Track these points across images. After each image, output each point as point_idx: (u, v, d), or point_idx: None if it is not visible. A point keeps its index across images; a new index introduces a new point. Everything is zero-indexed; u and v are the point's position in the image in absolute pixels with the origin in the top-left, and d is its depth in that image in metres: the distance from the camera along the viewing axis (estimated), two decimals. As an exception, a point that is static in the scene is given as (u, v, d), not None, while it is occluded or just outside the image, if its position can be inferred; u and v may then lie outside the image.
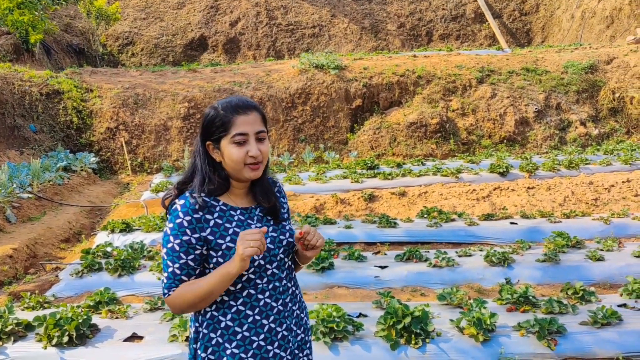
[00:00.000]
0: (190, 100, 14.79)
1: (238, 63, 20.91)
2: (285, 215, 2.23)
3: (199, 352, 2.05)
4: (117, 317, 5.03)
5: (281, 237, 2.12)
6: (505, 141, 15.45)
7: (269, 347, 2.02)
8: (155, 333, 4.67)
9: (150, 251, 7.02)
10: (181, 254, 1.96)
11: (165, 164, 13.26)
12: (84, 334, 4.52)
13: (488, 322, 4.39)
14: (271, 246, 2.06)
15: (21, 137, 13.31)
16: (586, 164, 12.16)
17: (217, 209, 2.04)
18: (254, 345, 2.00)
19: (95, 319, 4.87)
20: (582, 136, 15.71)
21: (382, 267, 6.34)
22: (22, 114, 13.79)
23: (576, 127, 15.91)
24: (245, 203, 2.14)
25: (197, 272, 2.01)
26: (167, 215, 2.03)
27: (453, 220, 8.25)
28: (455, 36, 25.93)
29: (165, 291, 1.98)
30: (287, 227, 2.17)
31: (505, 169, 11.44)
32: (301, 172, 12.83)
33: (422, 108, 15.56)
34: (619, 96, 16.61)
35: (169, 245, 1.97)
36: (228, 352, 2.00)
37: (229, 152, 2.01)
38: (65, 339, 4.38)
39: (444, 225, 7.95)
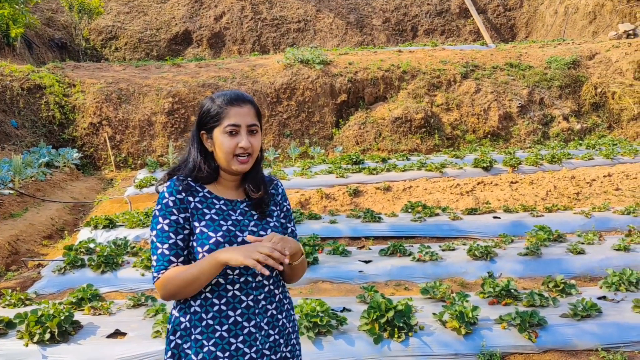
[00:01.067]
0: (175, 95, 14.69)
1: (223, 58, 20.79)
2: (280, 214, 2.24)
3: (169, 334, 2.08)
4: (99, 314, 5.00)
5: (262, 232, 2.11)
6: (489, 136, 15.56)
7: (232, 340, 2.01)
8: (139, 329, 4.65)
9: (134, 247, 6.98)
10: (170, 234, 2.00)
11: (150, 160, 13.17)
12: (66, 331, 4.49)
13: (470, 315, 4.44)
14: (250, 241, 2.06)
15: (2, 132, 13.14)
16: (568, 158, 12.29)
17: (200, 194, 2.08)
18: (217, 334, 2.00)
19: (78, 316, 4.83)
20: (565, 131, 15.88)
21: (367, 262, 6.37)
22: (3, 109, 13.60)
23: (559, 122, 16.06)
24: (232, 195, 2.15)
25: (185, 254, 2.02)
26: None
27: (437, 214, 8.30)
28: (440, 31, 26.02)
29: (155, 274, 1.99)
30: (271, 224, 2.16)
31: (489, 164, 11.53)
32: (286, 167, 12.82)
33: (407, 103, 15.61)
34: (601, 91, 16.79)
35: (159, 226, 2.01)
36: (192, 337, 2.01)
37: (220, 142, 2.06)
38: (47, 336, 4.34)
39: (428, 220, 8.00)
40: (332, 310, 4.70)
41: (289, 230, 2.27)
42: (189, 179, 2.09)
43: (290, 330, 2.23)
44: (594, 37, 22.07)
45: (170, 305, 5.16)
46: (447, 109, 15.87)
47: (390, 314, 4.39)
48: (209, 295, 2.02)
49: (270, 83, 15.50)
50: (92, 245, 6.99)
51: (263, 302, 2.09)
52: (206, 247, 1.99)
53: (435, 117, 15.59)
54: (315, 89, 15.63)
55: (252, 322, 2.05)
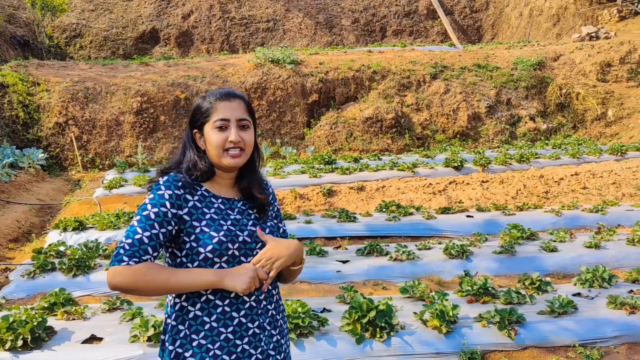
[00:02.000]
0: (143, 94, 14.44)
1: (192, 57, 20.54)
2: (272, 215, 2.21)
3: (167, 344, 1.99)
4: (74, 319, 4.86)
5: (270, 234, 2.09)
6: (458, 136, 15.76)
7: (238, 342, 1.96)
8: (115, 334, 4.54)
9: (106, 250, 6.82)
10: (155, 224, 1.90)
11: (118, 160, 12.90)
12: (40, 337, 4.35)
13: (450, 314, 4.47)
14: (248, 239, 2.02)
15: (-37, 132, 12.70)
16: (536, 158, 12.55)
17: (199, 192, 2.03)
18: (222, 337, 1.95)
19: (51, 321, 4.69)
20: (532, 131, 16.20)
21: (344, 262, 6.37)
22: (-37, 108, 13.15)
23: (526, 122, 16.38)
24: (229, 194, 2.11)
25: (159, 251, 1.93)
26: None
27: (411, 214, 8.36)
28: (408, 32, 26.27)
29: (125, 259, 1.83)
30: (268, 224, 2.14)
31: (459, 163, 11.68)
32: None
33: (377, 103, 15.69)
34: (566, 92, 17.20)
35: (145, 212, 1.91)
36: (195, 343, 1.94)
37: (210, 137, 2.03)
38: (20, 342, 4.20)
39: (403, 219, 8.05)
40: (313, 311, 4.68)
41: (281, 230, 2.24)
42: (187, 176, 2.04)
43: (286, 332, 2.22)
44: (558, 39, 22.60)
45: (148, 308, 5.06)
46: (417, 109, 16.01)
47: (372, 314, 4.39)
48: (211, 297, 1.96)
49: (241, 82, 15.38)
50: (62, 248, 6.80)
51: (264, 303, 2.07)
52: (209, 247, 1.93)
53: (406, 117, 15.71)
54: (286, 89, 15.58)
55: (256, 323, 2.01)
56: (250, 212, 2.12)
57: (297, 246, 2.03)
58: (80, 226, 7.77)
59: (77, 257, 6.17)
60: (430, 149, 15.01)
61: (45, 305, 4.98)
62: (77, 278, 6.01)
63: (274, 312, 2.11)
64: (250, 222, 2.08)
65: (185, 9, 24.08)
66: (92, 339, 4.50)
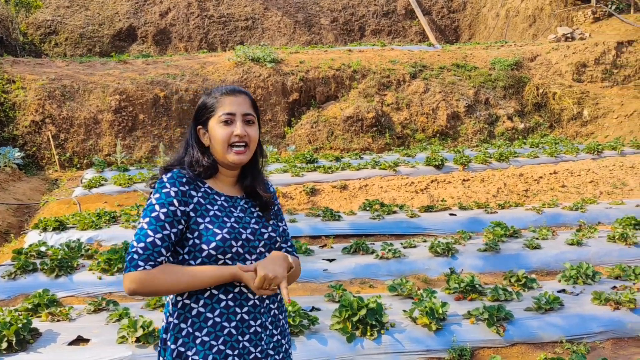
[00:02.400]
0: (122, 92, 14.24)
1: (170, 55, 20.33)
2: (274, 214, 2.20)
3: (168, 343, 1.97)
4: (58, 320, 4.77)
5: (263, 230, 2.07)
6: (438, 135, 15.90)
7: (240, 338, 1.95)
8: (102, 335, 4.47)
9: (88, 250, 6.71)
10: (166, 224, 1.89)
11: (97, 159, 12.71)
12: (25, 339, 4.26)
13: (440, 311, 4.51)
14: (251, 237, 2.01)
15: None
16: (515, 156, 12.72)
17: (202, 189, 2.02)
18: (225, 331, 1.93)
19: (35, 323, 4.60)
20: (510, 130, 16.42)
21: (330, 260, 6.37)
22: None
23: (504, 122, 16.60)
24: (231, 191, 2.10)
25: (172, 250, 1.94)
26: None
27: (395, 212, 8.40)
28: (387, 32, 26.38)
29: (141, 264, 1.84)
30: (272, 222, 2.13)
31: (440, 162, 11.78)
32: (240, 166, 12.65)
33: (358, 102, 15.74)
34: (543, 92, 17.48)
35: (154, 214, 1.89)
36: (198, 341, 1.92)
37: (215, 132, 2.02)
38: (4, 345, 4.12)
39: (387, 218, 8.08)
40: (302, 310, 4.67)
41: (281, 229, 2.23)
42: (190, 173, 2.02)
43: (288, 332, 2.21)
44: (534, 39, 22.94)
45: (135, 309, 4.99)
46: (397, 108, 16.10)
47: (363, 312, 4.40)
48: (214, 291, 1.95)
49: (221, 81, 15.27)
50: (43, 249, 6.67)
51: (267, 301, 2.06)
52: (213, 244, 1.92)
53: (386, 117, 15.79)
54: (266, 88, 15.52)
55: (259, 321, 2.00)
56: (253, 210, 2.11)
57: (281, 256, 2.00)
58: (60, 226, 7.63)
59: (59, 257, 6.06)
60: (411, 148, 15.11)
61: (29, 306, 4.89)
62: (60, 279, 5.90)
63: (276, 312, 2.10)
64: (253, 220, 2.07)
65: (163, 6, 23.81)
66: (79, 341, 4.44)
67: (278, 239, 2.13)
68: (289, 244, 2.23)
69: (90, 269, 6.10)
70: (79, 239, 7.10)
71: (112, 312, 4.83)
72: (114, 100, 14.04)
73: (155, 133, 14.23)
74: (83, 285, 5.91)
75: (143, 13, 23.59)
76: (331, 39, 25.05)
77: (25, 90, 13.67)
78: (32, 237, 7.50)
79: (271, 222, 2.14)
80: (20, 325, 4.25)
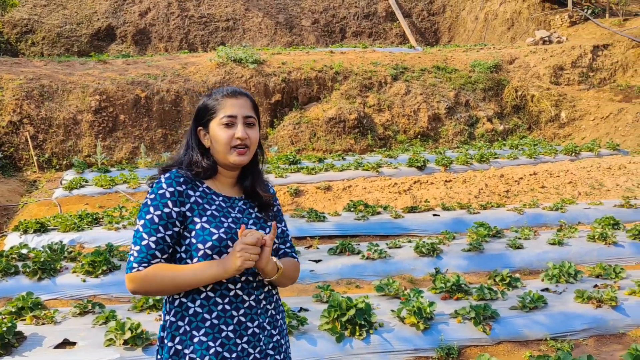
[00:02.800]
0: (102, 93, 14.08)
1: (150, 55, 20.15)
2: (273, 215, 2.21)
3: (165, 340, 1.98)
4: (43, 323, 4.71)
5: (260, 230, 2.08)
6: (419, 136, 16.02)
7: (238, 340, 1.96)
8: (89, 338, 4.43)
9: (71, 252, 6.63)
10: (160, 227, 1.93)
11: (77, 160, 12.54)
12: (9, 343, 4.21)
13: (427, 310, 4.56)
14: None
15: None
16: (495, 158, 12.89)
17: (200, 189, 2.04)
18: (223, 334, 1.94)
19: (20, 326, 4.53)
20: (489, 132, 16.63)
21: (317, 261, 6.40)
22: None
23: (484, 123, 16.80)
24: (230, 192, 2.12)
25: (169, 252, 1.96)
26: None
27: (379, 213, 8.46)
28: (367, 33, 26.50)
29: (135, 265, 1.90)
30: (269, 223, 2.13)
31: (422, 163, 11.88)
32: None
33: (340, 103, 15.79)
34: (521, 94, 17.73)
35: (148, 216, 1.94)
36: (195, 340, 1.93)
37: (216, 134, 2.03)
38: (-11, 349, 4.05)
39: (371, 218, 8.13)
40: (291, 310, 4.68)
41: (279, 230, 2.24)
42: (189, 173, 2.04)
43: (286, 332, 2.22)
44: (513, 42, 23.26)
45: (122, 311, 4.95)
46: (379, 109, 16.19)
47: (352, 312, 4.43)
48: (211, 294, 1.96)
49: (203, 82, 15.19)
50: (24, 251, 6.57)
51: (264, 302, 2.06)
52: (209, 244, 1.93)
53: (368, 118, 15.87)
54: (249, 89, 15.48)
55: (256, 323, 2.01)
56: (251, 211, 2.13)
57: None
58: (41, 228, 7.52)
59: (41, 259, 5.98)
60: (393, 149, 15.20)
61: (13, 309, 4.82)
62: (43, 281, 5.83)
63: (273, 312, 2.11)
64: (251, 221, 2.09)
65: (143, 6, 23.59)
66: (65, 344, 4.38)
67: (276, 240, 2.14)
68: (288, 244, 2.24)
69: (74, 272, 6.03)
70: (61, 241, 7.02)
71: (98, 315, 4.79)
72: (94, 100, 13.87)
73: (136, 134, 14.09)
74: (67, 287, 5.85)
75: (122, 13, 23.35)
76: (312, 41, 25.08)
77: (2, 90, 13.44)
78: (12, 240, 7.38)
79: (269, 223, 2.15)
80: (4, 328, 4.19)
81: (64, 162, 13.08)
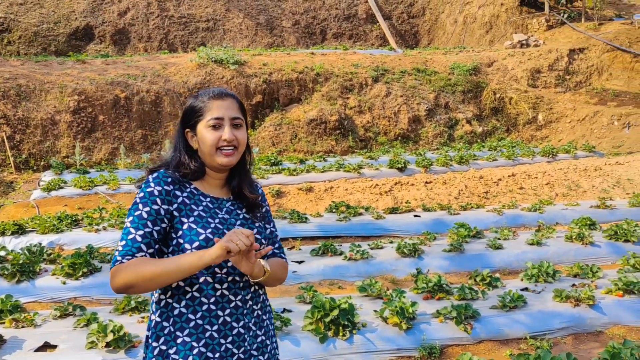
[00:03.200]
0: (81, 93, 13.91)
1: (129, 55, 19.96)
2: (261, 216, 2.21)
3: (150, 340, 2.00)
4: (23, 326, 4.65)
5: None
6: (399, 138, 16.14)
7: (222, 340, 1.96)
8: (70, 340, 4.39)
9: (50, 254, 6.55)
10: (148, 222, 1.94)
11: (55, 161, 12.37)
12: (-11, 347, 4.14)
13: (410, 310, 4.60)
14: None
15: None
16: (474, 159, 13.04)
17: (188, 190, 2.05)
18: (207, 334, 1.95)
19: (-1, 330, 4.47)
20: (469, 133, 16.81)
21: (299, 262, 6.41)
22: None
23: (463, 125, 16.99)
24: (218, 193, 2.13)
25: (156, 247, 1.95)
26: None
27: (361, 214, 8.50)
28: (348, 35, 26.59)
29: (119, 258, 1.88)
30: (256, 224, 2.15)
31: (403, 165, 11.97)
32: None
33: (321, 105, 15.83)
34: (500, 97, 17.97)
35: (137, 212, 1.94)
36: (179, 340, 1.94)
37: (203, 136, 2.04)
38: (-32, 353, 3.99)
39: (353, 219, 8.17)
40: (275, 311, 4.69)
41: (268, 231, 2.25)
42: (176, 174, 2.05)
43: (273, 332, 2.22)
44: (491, 45, 23.55)
45: (103, 313, 4.91)
46: (359, 111, 16.27)
47: (335, 312, 4.45)
48: (196, 294, 1.96)
49: (184, 82, 15.11)
50: (2, 253, 6.47)
51: (250, 302, 2.07)
52: (196, 244, 1.94)
53: (349, 119, 15.93)
54: (230, 90, 15.42)
55: (241, 323, 2.02)
56: (239, 212, 2.14)
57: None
58: (19, 229, 7.42)
59: (20, 262, 5.90)
60: (373, 150, 15.29)
61: (-9, 313, 4.74)
62: (22, 284, 5.75)
63: (259, 312, 2.12)
64: (239, 222, 2.10)
65: (122, 5, 23.36)
66: (46, 347, 4.33)
67: (263, 241, 2.15)
68: (277, 245, 2.25)
69: (54, 274, 5.96)
70: (40, 243, 6.93)
71: (79, 317, 4.74)
72: (72, 100, 13.70)
73: (115, 134, 13.95)
74: (46, 290, 5.77)
75: (101, 12, 23.09)
76: (293, 42, 25.09)
77: (-22, 89, 13.21)
78: (-11, 242, 7.26)
79: (257, 224, 2.16)
80: (-16, 332, 4.13)
81: (42, 163, 12.90)
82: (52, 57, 17.75)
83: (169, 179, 2.01)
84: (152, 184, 1.98)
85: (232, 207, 2.12)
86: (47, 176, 11.25)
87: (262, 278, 2.02)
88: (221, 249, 1.81)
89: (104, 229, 7.58)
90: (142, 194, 1.97)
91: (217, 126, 2.03)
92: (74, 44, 22.10)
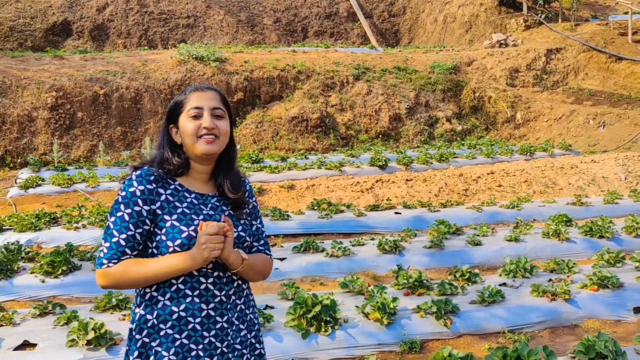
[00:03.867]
0: (59, 89, 13.73)
1: (109, 51, 19.75)
2: (248, 212, 2.23)
3: (134, 333, 2.02)
4: (1, 325, 4.61)
5: (233, 228, 2.11)
6: (380, 136, 16.22)
7: (205, 334, 1.99)
8: (50, 339, 4.36)
9: (29, 252, 6.48)
10: (130, 225, 1.97)
11: (32, 158, 12.20)
12: (-33, 346, 4.10)
13: (391, 306, 4.66)
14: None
15: None
16: (454, 157, 13.18)
17: (172, 187, 2.06)
18: (190, 326, 1.97)
19: (-23, 329, 4.42)
20: (448, 132, 16.98)
21: (281, 259, 6.43)
22: None
23: (443, 124, 17.14)
24: (203, 189, 2.14)
25: (139, 248, 2.00)
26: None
27: (342, 211, 8.55)
28: (329, 33, 26.63)
29: (105, 262, 1.95)
30: (242, 221, 2.16)
31: (384, 163, 12.05)
32: (184, 166, 12.47)
33: (302, 103, 15.84)
34: (479, 95, 18.17)
35: (119, 214, 1.98)
36: (162, 333, 1.97)
37: (184, 126, 2.07)
38: (-54, 352, 3.94)
39: (335, 217, 8.22)
40: (257, 307, 4.71)
41: (254, 227, 2.27)
42: (160, 170, 2.06)
43: (257, 327, 2.25)
44: (471, 45, 23.79)
45: (83, 311, 4.88)
46: (341, 109, 16.32)
47: (317, 308, 4.49)
48: (181, 286, 1.99)
49: (164, 79, 15.00)
50: (-21, 252, 6.37)
51: (233, 297, 2.10)
52: (178, 242, 1.97)
53: (330, 117, 15.98)
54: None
55: (225, 317, 2.04)
56: (225, 208, 2.15)
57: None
58: (-4, 228, 7.31)
59: (-2, 260, 5.82)
60: (354, 148, 15.34)
61: (-31, 311, 4.69)
62: None
63: (242, 307, 2.14)
64: (223, 218, 2.11)
65: (100, 1, 23.08)
66: (25, 346, 4.30)
67: (248, 238, 2.16)
68: (262, 242, 2.27)
69: (32, 272, 5.89)
70: (17, 241, 6.84)
71: (59, 316, 4.71)
72: (50, 97, 13.52)
73: (94, 132, 13.80)
74: (25, 288, 5.72)
75: (79, 7, 22.79)
76: (274, 39, 25.04)
77: (-48, 85, 12.96)
78: (-35, 240, 7.14)
79: (242, 221, 2.18)
80: (-38, 330, 4.08)
81: (19, 160, 12.71)
82: (29, 53, 17.48)
83: (152, 177, 2.02)
84: (134, 183, 2.00)
85: (217, 203, 2.13)
86: (25, 174, 11.10)
87: (240, 268, 2.04)
88: (203, 262, 1.94)
89: (84, 226, 7.51)
90: (124, 193, 1.99)
91: (197, 116, 2.05)
92: (51, 40, 21.77)
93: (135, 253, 1.99)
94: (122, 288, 2.00)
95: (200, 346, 1.98)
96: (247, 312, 2.17)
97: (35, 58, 15.70)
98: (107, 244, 1.96)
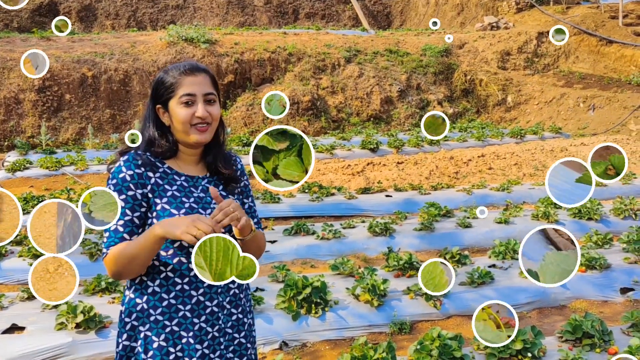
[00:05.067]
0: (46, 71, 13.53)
1: (97, 32, 19.49)
2: (239, 190, 2.20)
3: (123, 316, 2.02)
4: (-11, 308, 4.58)
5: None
6: (372, 119, 16.18)
7: (195, 320, 1.98)
8: (38, 322, 4.34)
9: (17, 235, 6.41)
10: (127, 210, 1.95)
11: (19, 141, 12.07)
12: (-45, 329, 4.07)
13: (381, 287, 4.68)
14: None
15: None
16: (445, 140, 13.18)
17: (161, 170, 2.03)
18: (180, 314, 1.97)
19: (-35, 312, 4.39)
20: (440, 115, 16.93)
21: (272, 242, 6.43)
22: None
23: (434, 107, 17.11)
24: (193, 171, 2.10)
25: (139, 232, 1.97)
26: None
27: (333, 194, 8.55)
28: (320, 15, 26.41)
29: (105, 250, 1.94)
30: (234, 199, 2.14)
31: (375, 145, 12.04)
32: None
33: (294, 85, 15.74)
34: (470, 78, 18.13)
35: None
36: (152, 318, 1.96)
37: (176, 113, 2.00)
38: None
39: (326, 200, 8.22)
40: (247, 290, 4.71)
41: (247, 206, 2.24)
42: (147, 154, 2.02)
43: (250, 309, 2.23)
44: (462, 27, 23.70)
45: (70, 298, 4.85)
46: (332, 92, 16.24)
47: (308, 290, 4.50)
48: (170, 274, 1.98)
49: (153, 61, 14.83)
50: (-34, 235, 6.31)
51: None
52: None
53: (322, 100, 15.90)
54: (200, 69, 15.21)
55: (215, 302, 2.02)
56: (215, 189, 2.12)
57: (243, 213, 1.94)
58: (-16, 211, 7.23)
59: (-14, 243, 5.76)
60: (346, 131, 15.30)
61: (-44, 295, 4.65)
62: (-13, 266, 5.64)
63: (236, 291, 2.11)
64: (214, 201, 2.08)
65: (88, -19, 22.72)
66: (13, 329, 4.28)
67: None
68: (255, 220, 2.24)
69: (20, 255, 5.85)
70: (6, 224, 6.77)
71: (48, 298, 4.67)
72: (37, 79, 13.33)
73: (83, 114, 13.66)
74: (13, 271, 5.68)
75: (66, -12, 22.43)
76: (265, 21, 24.80)
77: (-63, 66, 12.75)
78: (-48, 223, 7.07)
79: (234, 198, 2.16)
80: (-51, 313, 4.05)
81: (6, 143, 12.57)
82: (15, 34, 17.21)
83: (139, 161, 1.98)
84: (123, 168, 1.96)
85: (208, 185, 2.10)
86: (12, 157, 10.98)
87: (249, 236, 1.97)
88: (183, 234, 1.77)
89: (73, 209, 7.45)
90: (114, 181, 1.96)
91: (189, 103, 1.99)
92: (37, 21, 21.44)
93: (134, 237, 1.95)
94: (129, 272, 1.93)
95: (191, 333, 1.98)
96: (241, 295, 2.14)
97: (22, 39, 15.47)
98: (107, 233, 1.95)
